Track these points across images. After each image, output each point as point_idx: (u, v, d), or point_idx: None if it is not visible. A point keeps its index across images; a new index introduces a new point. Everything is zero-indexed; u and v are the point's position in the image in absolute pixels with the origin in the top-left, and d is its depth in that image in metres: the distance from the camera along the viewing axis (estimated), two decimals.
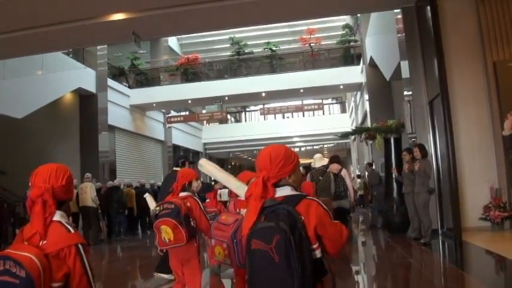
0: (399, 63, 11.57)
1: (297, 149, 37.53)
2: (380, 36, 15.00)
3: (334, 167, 10.13)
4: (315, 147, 37.37)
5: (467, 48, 9.62)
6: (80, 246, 2.11)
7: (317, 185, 9.00)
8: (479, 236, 8.70)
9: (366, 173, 15.40)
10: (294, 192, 2.32)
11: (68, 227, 2.15)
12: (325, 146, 37.21)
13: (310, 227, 2.17)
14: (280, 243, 2.04)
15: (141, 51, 25.63)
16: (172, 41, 28.15)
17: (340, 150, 37.65)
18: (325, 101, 30.54)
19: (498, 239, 8.63)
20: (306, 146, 36.61)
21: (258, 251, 2.10)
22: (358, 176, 22.85)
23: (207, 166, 3.78)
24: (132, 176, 20.43)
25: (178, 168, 6.78)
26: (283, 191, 2.30)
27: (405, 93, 10.58)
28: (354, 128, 12.77)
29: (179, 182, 4.61)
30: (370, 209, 15.75)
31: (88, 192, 13.29)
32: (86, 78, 18.46)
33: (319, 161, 9.69)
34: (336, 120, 32.14)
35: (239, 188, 3.36)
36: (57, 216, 2.17)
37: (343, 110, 36.44)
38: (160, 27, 11.22)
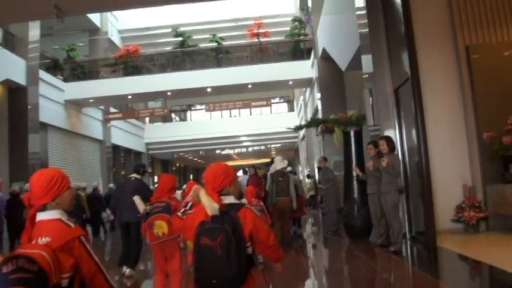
0: (358, 50, 10.53)
1: (244, 149, 36.54)
2: (335, 24, 13.95)
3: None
4: (262, 147, 36.30)
5: (436, 31, 8.64)
6: (81, 237, 2.33)
7: (277, 186, 9.57)
8: (453, 240, 7.70)
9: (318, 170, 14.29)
10: (236, 201, 3.01)
11: (68, 223, 2.37)
12: (273, 146, 36.20)
13: (246, 230, 2.80)
14: (223, 240, 2.63)
15: (80, 44, 24.07)
16: (113, 33, 26.38)
17: (288, 150, 36.87)
18: (272, 100, 29.45)
19: (475, 243, 7.67)
20: (253, 145, 35.46)
21: (205, 245, 2.67)
22: (308, 176, 21.96)
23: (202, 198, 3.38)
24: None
25: (137, 176, 7.39)
26: (228, 199, 2.97)
27: (366, 81, 9.51)
28: (308, 120, 11.41)
29: (164, 186, 5.40)
30: (322, 211, 14.69)
31: None
32: (14, 68, 16.47)
33: (279, 163, 9.97)
34: (283, 119, 31.48)
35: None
36: (57, 214, 2.36)
37: (291, 109, 35.72)
38: (86, 0, 9.69)
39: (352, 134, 9.45)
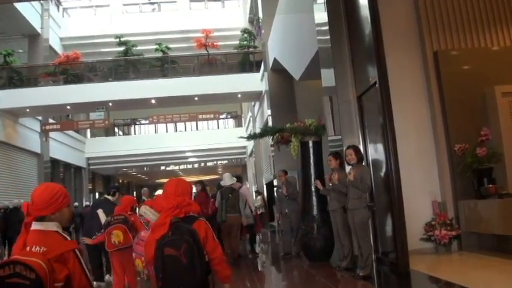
0: (314, 57, 9.83)
1: (190, 166, 35.45)
2: (288, 33, 13.26)
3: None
4: (208, 163, 35.31)
5: (403, 35, 8.03)
6: (76, 251, 2.44)
7: (227, 202, 9.63)
8: (424, 261, 6.96)
9: (276, 184, 13.36)
10: (193, 214, 3.22)
11: (65, 235, 2.48)
12: (219, 162, 35.27)
13: (201, 239, 3.02)
14: (187, 249, 2.84)
15: (19, 51, 22.52)
16: (54, 41, 24.91)
17: (235, 166, 36.06)
18: (220, 115, 28.66)
19: (448, 264, 7.02)
20: (199, 161, 34.41)
21: (169, 256, 2.84)
22: (257, 193, 21.11)
23: (148, 213, 4.57)
24: (0, 195, 17.03)
25: (109, 197, 7.85)
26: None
27: (325, 85, 8.76)
28: (264, 128, 10.33)
29: (126, 206, 6.02)
30: (280, 232, 13.70)
31: None
32: None
33: (229, 180, 10.08)
34: (231, 135, 30.75)
35: None
36: (54, 226, 2.46)
37: (239, 124, 34.95)
38: None
39: (310, 144, 8.57)
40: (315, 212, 8.32)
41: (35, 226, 2.43)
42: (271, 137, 9.80)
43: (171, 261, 2.83)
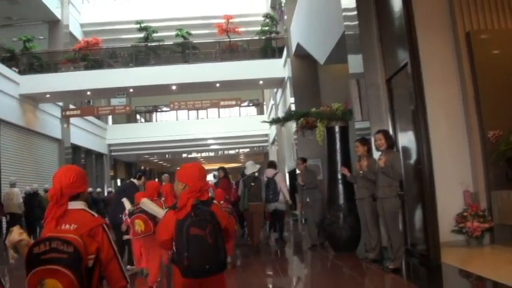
0: (340, 40, 9.45)
1: (211, 153, 35.27)
2: (312, 15, 12.85)
3: (269, 172, 10.59)
4: (230, 151, 35.06)
5: (433, 15, 7.57)
6: (104, 225, 2.64)
7: (249, 190, 9.63)
8: (456, 254, 6.63)
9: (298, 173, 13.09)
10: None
11: (92, 212, 2.71)
12: (241, 150, 34.99)
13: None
14: (212, 230, 3.01)
15: (40, 37, 22.49)
16: (74, 27, 24.77)
17: (256, 154, 35.71)
18: (242, 101, 28.32)
19: (481, 258, 6.65)
20: (221, 149, 34.18)
21: (195, 235, 2.99)
22: None
23: (148, 204, 5.52)
24: (21, 180, 16.99)
25: (135, 180, 7.88)
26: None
27: (352, 71, 8.37)
28: (288, 112, 9.75)
29: (152, 191, 6.16)
30: (304, 221, 13.28)
31: (14, 199, 13.82)
32: None
33: (251, 168, 10.05)
34: (253, 123, 30.53)
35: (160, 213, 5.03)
36: (81, 205, 2.68)
37: (261, 112, 34.60)
38: None
39: (337, 129, 8.21)
40: (341, 200, 8.01)
41: (71, 205, 2.62)
42: (295, 123, 9.39)
43: (196, 241, 2.97)
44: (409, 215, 6.99)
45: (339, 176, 7.97)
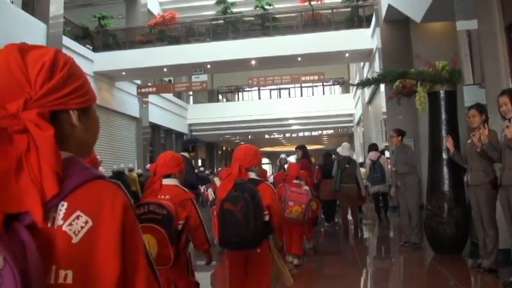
0: None
1: (294, 134, 33.98)
2: None
3: (372, 155, 10.89)
4: (312, 132, 33.48)
5: None
6: (193, 199, 3.35)
7: (343, 172, 9.66)
8: None
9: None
10: (257, 178, 3.60)
11: (184, 188, 3.39)
12: (324, 132, 33.31)
13: (264, 200, 3.35)
14: (244, 206, 3.19)
15: (118, 17, 22.21)
16: (152, 5, 24.22)
17: (341, 136, 33.89)
18: (326, 78, 26.68)
19: None
20: (303, 129, 32.71)
21: (227, 210, 3.25)
22: (361, 165, 19.06)
23: None
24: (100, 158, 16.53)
25: (186, 154, 6.67)
26: (252, 175, 3.55)
27: (459, 19, 6.62)
28: (380, 73, 7.85)
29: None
30: (393, 210, 11.86)
31: None
32: (32, 31, 14.19)
33: (346, 150, 10.20)
34: (337, 102, 29.35)
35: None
36: (176, 182, 3.39)
37: (346, 91, 32.81)
38: None
39: (442, 95, 6.53)
40: (445, 187, 6.38)
41: (164, 182, 3.34)
42: (390, 84, 7.44)
43: (228, 215, 3.25)
44: None
45: (444, 156, 6.34)
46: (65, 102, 1.05)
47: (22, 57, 1.03)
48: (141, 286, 1.06)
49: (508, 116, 4.62)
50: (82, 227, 0.99)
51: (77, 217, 0.99)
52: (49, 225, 0.98)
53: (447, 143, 5.84)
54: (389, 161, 8.88)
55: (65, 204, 1.00)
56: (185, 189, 3.34)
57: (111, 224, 1.02)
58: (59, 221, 0.99)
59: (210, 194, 7.20)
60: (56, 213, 0.99)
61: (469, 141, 5.40)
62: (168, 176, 3.33)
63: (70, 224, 0.99)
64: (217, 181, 6.83)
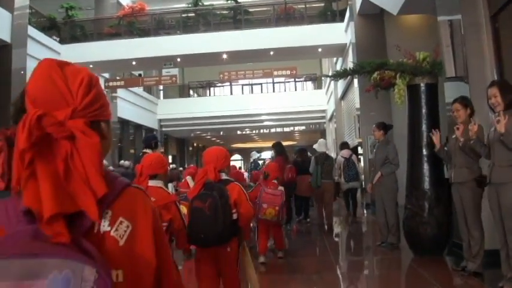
0: None
1: (265, 130, 33.73)
2: None
3: (345, 153, 11.01)
4: (285, 128, 33.21)
5: None
6: (176, 202, 3.51)
7: (321, 168, 9.88)
8: None
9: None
10: (227, 178, 3.74)
11: (168, 190, 3.59)
12: (296, 128, 33.07)
13: (232, 199, 3.47)
14: (211, 203, 3.28)
15: (87, 8, 21.48)
16: None
17: (313, 132, 33.83)
18: (297, 75, 26.45)
19: None
20: (275, 125, 32.42)
21: (196, 207, 3.34)
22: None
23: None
24: None
25: (149, 150, 6.83)
26: (224, 176, 3.70)
27: (440, 7, 6.33)
28: (357, 64, 7.36)
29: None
30: (366, 207, 11.80)
31: None
32: None
33: (322, 146, 10.43)
34: (309, 98, 29.17)
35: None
36: (161, 184, 3.53)
37: (318, 87, 32.64)
38: None
39: (422, 88, 6.20)
40: (426, 185, 6.06)
41: (150, 183, 3.46)
42: (368, 76, 7.01)
43: (196, 213, 3.37)
44: None
45: (424, 152, 6.04)
46: (98, 114, 1.15)
47: (62, 71, 1.14)
48: (171, 278, 1.27)
49: (497, 109, 4.29)
50: (125, 231, 1.13)
51: (120, 223, 1.13)
52: (95, 231, 1.09)
53: (432, 137, 5.51)
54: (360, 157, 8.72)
55: (109, 212, 1.12)
56: (169, 191, 3.56)
57: (146, 226, 1.18)
58: (106, 227, 1.11)
59: (190, 181, 6.85)
60: (101, 220, 1.10)
61: (453, 136, 5.10)
62: (154, 177, 3.50)
63: (116, 230, 1.12)
64: (189, 180, 6.82)
